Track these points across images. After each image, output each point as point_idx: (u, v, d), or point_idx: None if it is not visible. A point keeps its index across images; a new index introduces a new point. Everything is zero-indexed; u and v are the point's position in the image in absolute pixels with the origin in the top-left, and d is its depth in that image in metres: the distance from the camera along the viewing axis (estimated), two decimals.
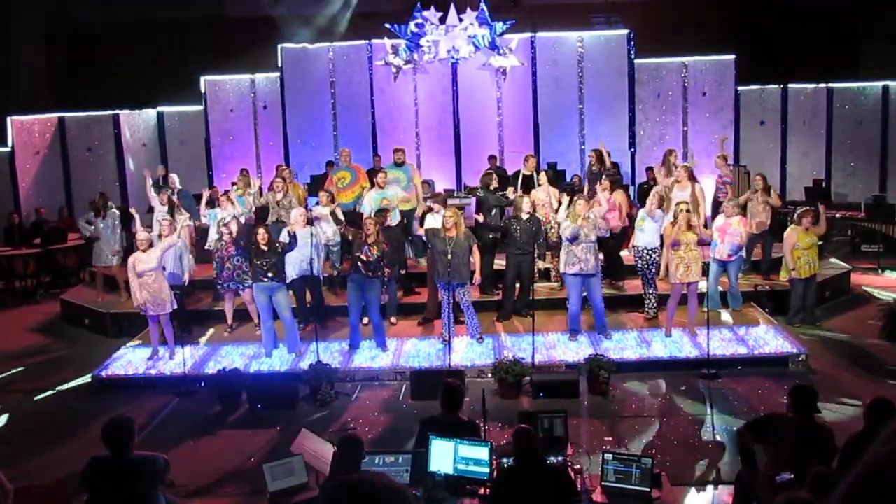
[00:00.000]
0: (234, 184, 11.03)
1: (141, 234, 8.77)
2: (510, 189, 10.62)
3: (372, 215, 9.27)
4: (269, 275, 8.48)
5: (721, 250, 9.20)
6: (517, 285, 9.68)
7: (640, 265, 9.37)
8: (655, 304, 9.45)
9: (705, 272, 8.84)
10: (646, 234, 9.20)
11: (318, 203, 10.16)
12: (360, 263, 8.52)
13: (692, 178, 10.19)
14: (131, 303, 9.09)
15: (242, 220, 9.91)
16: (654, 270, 9.36)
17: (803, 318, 9.47)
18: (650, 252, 9.23)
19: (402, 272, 10.28)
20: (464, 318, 9.11)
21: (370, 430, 7.09)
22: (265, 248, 8.51)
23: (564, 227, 8.68)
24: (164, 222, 9.27)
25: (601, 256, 8.93)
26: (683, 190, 10.01)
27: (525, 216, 9.31)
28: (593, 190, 10.20)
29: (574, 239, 8.49)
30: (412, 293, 10.40)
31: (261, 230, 8.67)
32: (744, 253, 9.61)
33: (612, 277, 10.18)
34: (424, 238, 9.43)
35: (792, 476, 4.31)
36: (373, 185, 10.49)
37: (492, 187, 10.32)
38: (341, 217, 9.96)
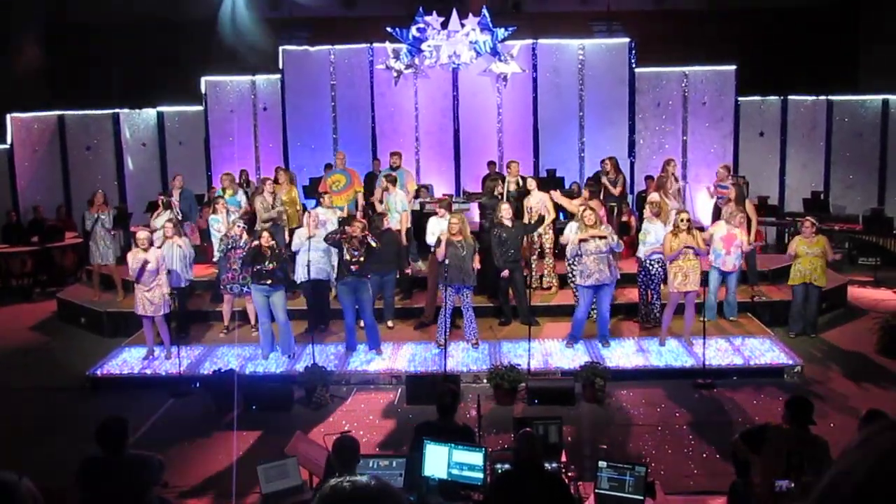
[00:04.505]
0: (223, 189, 10.93)
1: (141, 234, 8.76)
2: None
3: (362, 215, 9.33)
4: (268, 282, 8.45)
5: (727, 261, 9.19)
6: (510, 292, 9.65)
7: (642, 275, 9.35)
8: (659, 314, 9.40)
9: (703, 282, 8.82)
10: (651, 244, 9.17)
11: (319, 206, 10.16)
12: (351, 266, 8.49)
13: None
14: (127, 302, 9.08)
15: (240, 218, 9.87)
16: (659, 279, 9.29)
17: (802, 328, 9.47)
18: (655, 262, 9.17)
19: (397, 276, 10.26)
20: (460, 323, 9.10)
21: (364, 433, 7.08)
22: (267, 251, 8.48)
23: (570, 242, 8.74)
24: (168, 225, 9.30)
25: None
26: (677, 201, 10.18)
27: (509, 223, 9.19)
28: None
29: (575, 256, 8.56)
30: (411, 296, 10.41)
31: (265, 234, 8.63)
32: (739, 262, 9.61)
33: None
34: (430, 243, 9.46)
35: (793, 485, 4.30)
36: (370, 189, 10.53)
37: (496, 192, 10.25)
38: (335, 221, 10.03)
